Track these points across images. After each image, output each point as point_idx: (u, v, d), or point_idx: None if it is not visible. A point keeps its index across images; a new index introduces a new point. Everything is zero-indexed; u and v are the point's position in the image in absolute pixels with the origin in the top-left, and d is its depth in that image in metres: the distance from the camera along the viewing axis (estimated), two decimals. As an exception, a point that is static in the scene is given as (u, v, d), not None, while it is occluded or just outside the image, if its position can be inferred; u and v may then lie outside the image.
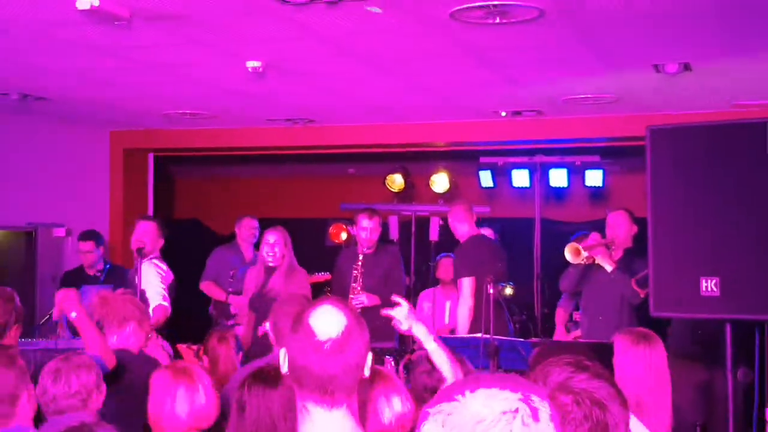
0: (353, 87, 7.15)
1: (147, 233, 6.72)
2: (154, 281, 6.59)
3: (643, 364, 3.68)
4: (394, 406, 3.04)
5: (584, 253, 6.38)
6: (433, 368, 4.01)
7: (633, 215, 6.64)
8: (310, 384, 2.11)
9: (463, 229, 7.12)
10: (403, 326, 3.36)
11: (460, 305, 6.83)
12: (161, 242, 6.83)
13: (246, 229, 8.31)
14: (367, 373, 2.19)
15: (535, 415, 1.40)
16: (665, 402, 3.63)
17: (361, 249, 7.03)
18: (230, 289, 7.34)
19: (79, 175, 9.46)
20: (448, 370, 3.34)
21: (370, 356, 2.19)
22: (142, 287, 6.56)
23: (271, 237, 6.71)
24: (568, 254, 6.45)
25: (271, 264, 6.70)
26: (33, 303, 8.49)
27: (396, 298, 3.42)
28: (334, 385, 2.11)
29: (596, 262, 6.45)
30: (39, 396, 3.55)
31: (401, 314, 3.34)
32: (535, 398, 1.43)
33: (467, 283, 6.79)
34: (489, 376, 1.47)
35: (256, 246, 8.36)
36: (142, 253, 6.60)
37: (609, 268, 6.38)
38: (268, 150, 9.87)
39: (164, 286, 6.61)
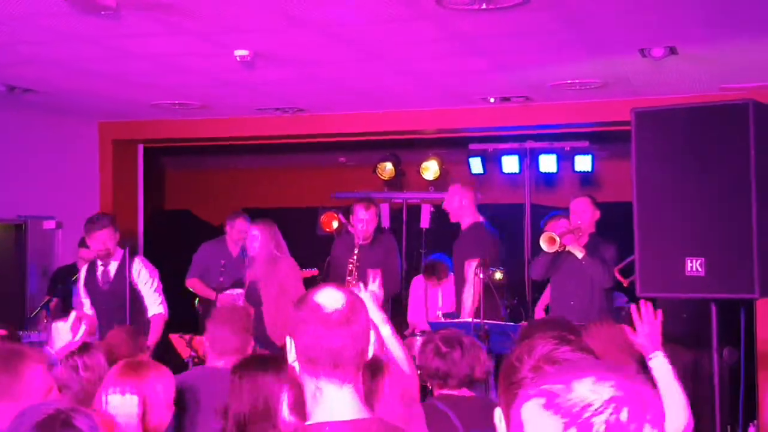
0: (342, 75, 7.16)
1: (110, 238, 6.79)
2: (150, 285, 6.68)
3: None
4: None
5: (559, 241, 6.50)
6: (447, 352, 3.96)
7: (595, 201, 6.80)
8: (322, 359, 2.16)
9: (468, 212, 7.16)
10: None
11: (467, 289, 6.85)
12: (118, 236, 6.91)
13: (237, 231, 8.32)
14: (370, 353, 2.25)
15: (642, 405, 1.40)
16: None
17: (357, 240, 7.01)
18: (221, 278, 7.35)
19: (69, 167, 9.45)
20: (401, 358, 3.34)
21: (373, 335, 2.26)
22: (139, 287, 6.65)
23: (254, 230, 6.77)
24: (544, 243, 6.59)
25: (253, 256, 6.74)
26: (23, 296, 8.51)
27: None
28: (344, 357, 2.17)
29: (567, 249, 6.56)
30: None
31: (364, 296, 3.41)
32: (642, 390, 1.43)
33: (474, 266, 6.83)
34: (596, 363, 1.48)
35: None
36: (108, 255, 6.70)
37: (580, 254, 6.51)
38: (258, 140, 9.86)
39: (160, 290, 6.72)
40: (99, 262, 6.80)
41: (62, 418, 2.22)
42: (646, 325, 3.44)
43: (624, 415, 1.38)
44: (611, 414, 1.38)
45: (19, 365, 2.88)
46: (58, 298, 7.41)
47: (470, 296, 6.77)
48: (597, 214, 6.76)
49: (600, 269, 6.42)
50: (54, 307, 7.31)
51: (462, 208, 7.21)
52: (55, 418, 2.22)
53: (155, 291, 6.75)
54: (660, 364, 3.27)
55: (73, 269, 7.84)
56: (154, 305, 6.68)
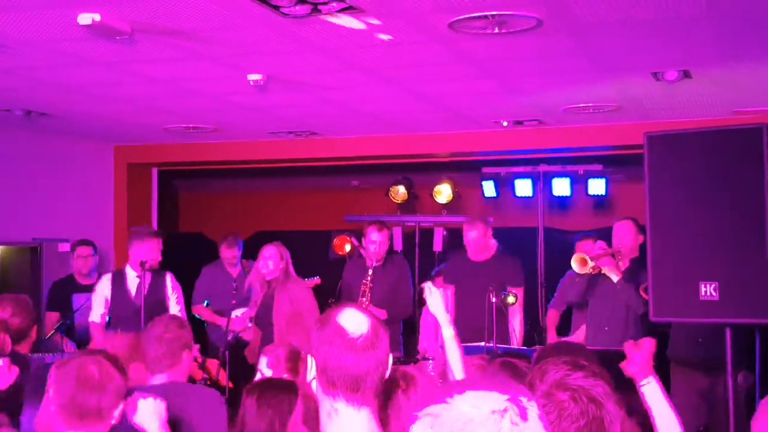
0: (355, 98, 7.18)
1: (156, 249, 6.86)
2: (177, 299, 6.92)
3: None
4: None
5: (591, 263, 6.35)
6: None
7: (639, 224, 6.61)
8: (345, 382, 2.18)
9: (491, 242, 7.26)
10: (431, 300, 3.43)
11: (518, 316, 7.00)
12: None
13: (224, 258, 8.51)
14: (387, 374, 2.26)
15: (523, 414, 1.44)
16: None
17: (370, 262, 7.00)
18: (233, 302, 7.36)
19: (84, 190, 9.51)
20: (458, 362, 3.34)
21: (391, 357, 2.27)
22: (169, 302, 6.78)
23: (267, 252, 6.73)
24: (575, 264, 6.41)
25: (267, 278, 6.71)
26: (38, 317, 8.50)
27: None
28: (366, 382, 2.19)
29: (603, 271, 6.42)
30: None
31: (436, 297, 3.43)
32: (522, 399, 1.47)
33: (521, 295, 7.07)
34: (477, 379, 1.52)
35: (245, 257, 8.49)
36: (147, 267, 6.74)
37: (615, 278, 6.35)
38: (271, 163, 9.90)
39: (182, 304, 7.00)
40: (134, 274, 6.82)
41: None
42: (639, 353, 3.41)
43: (506, 424, 1.42)
44: (493, 425, 1.42)
45: None
46: (59, 313, 7.42)
47: (521, 323, 6.98)
48: (640, 238, 6.45)
49: (634, 294, 6.22)
50: (55, 322, 7.29)
51: (488, 244, 7.25)
52: None
53: (177, 303, 6.91)
54: (652, 390, 3.24)
55: (71, 281, 7.83)
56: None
